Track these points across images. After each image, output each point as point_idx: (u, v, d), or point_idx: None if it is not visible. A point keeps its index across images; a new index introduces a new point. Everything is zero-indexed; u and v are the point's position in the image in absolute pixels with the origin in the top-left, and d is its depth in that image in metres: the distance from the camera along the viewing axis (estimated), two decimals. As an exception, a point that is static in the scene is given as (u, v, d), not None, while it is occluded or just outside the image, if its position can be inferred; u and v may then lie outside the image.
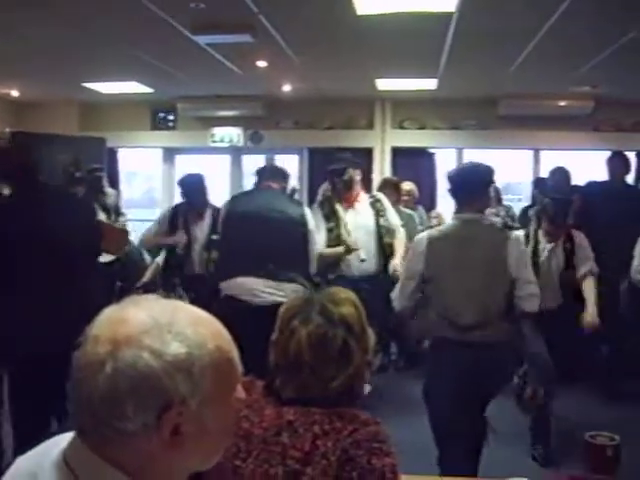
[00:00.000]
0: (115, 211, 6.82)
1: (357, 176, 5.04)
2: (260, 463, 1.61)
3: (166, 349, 0.96)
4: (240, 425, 1.66)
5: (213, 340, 1.01)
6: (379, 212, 5.08)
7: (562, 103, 8.26)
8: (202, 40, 5.67)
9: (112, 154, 9.44)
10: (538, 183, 7.07)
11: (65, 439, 1.04)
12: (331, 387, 1.67)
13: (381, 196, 5.32)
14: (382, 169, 8.96)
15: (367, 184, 8.78)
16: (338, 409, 1.66)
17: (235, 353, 1.07)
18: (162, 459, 0.99)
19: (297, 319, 1.72)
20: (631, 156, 6.71)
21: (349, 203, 5.03)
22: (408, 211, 6.56)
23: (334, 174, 4.98)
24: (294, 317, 1.73)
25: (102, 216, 6.51)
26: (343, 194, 5.00)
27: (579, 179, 6.43)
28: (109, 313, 1.01)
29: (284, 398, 1.70)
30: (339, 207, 4.97)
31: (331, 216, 4.94)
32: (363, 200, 5.12)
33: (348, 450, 1.56)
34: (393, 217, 5.18)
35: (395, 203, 6.04)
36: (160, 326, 0.98)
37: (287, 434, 1.62)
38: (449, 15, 4.90)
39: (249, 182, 10.27)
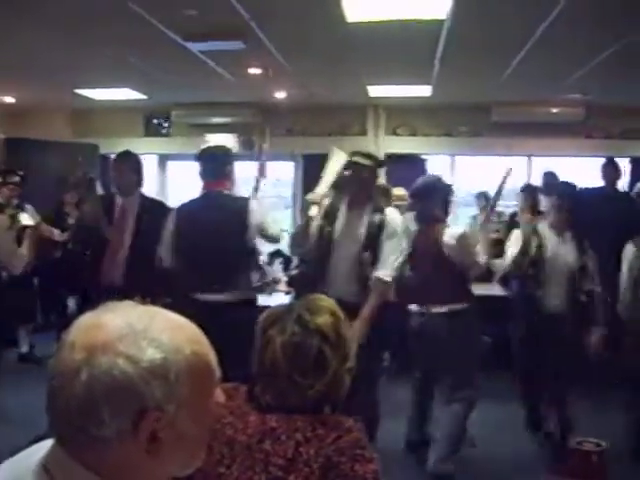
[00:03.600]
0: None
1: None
2: (244, 470, 1.61)
3: (142, 355, 0.96)
4: (224, 432, 1.67)
5: (190, 345, 1.01)
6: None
7: (554, 110, 8.30)
8: (194, 47, 5.68)
9: (105, 161, 9.43)
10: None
11: (45, 446, 1.04)
12: (308, 395, 1.67)
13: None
14: (375, 176, 8.97)
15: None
16: (321, 416, 1.66)
17: (212, 358, 1.07)
18: (141, 465, 0.99)
19: (274, 328, 1.74)
20: (624, 163, 6.87)
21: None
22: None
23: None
24: (271, 326, 1.75)
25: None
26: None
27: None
28: (85, 319, 1.01)
29: (264, 405, 1.70)
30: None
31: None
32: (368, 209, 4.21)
33: (331, 457, 1.56)
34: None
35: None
36: (136, 332, 0.97)
37: (270, 441, 1.62)
38: (440, 22, 4.91)
39: (241, 189, 10.32)
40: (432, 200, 4.36)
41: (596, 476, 1.80)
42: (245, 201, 4.40)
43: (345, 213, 4.16)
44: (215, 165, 4.36)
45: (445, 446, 3.98)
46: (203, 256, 4.07)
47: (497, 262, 4.77)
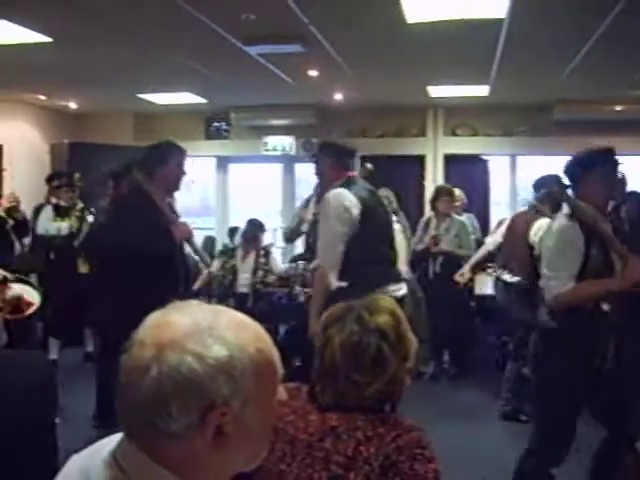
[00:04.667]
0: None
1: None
2: (304, 468, 1.63)
3: (208, 352, 0.99)
4: (286, 431, 1.69)
5: (254, 343, 1.04)
6: None
7: (619, 108, 8.08)
8: (254, 51, 5.75)
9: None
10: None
11: (115, 439, 1.08)
12: (367, 393, 1.68)
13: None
14: (434, 176, 8.92)
15: (419, 191, 8.81)
16: (381, 414, 1.67)
17: (276, 356, 1.09)
18: (207, 459, 1.02)
19: (333, 327, 1.75)
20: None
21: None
22: (460, 218, 6.54)
23: None
24: (331, 325, 1.76)
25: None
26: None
27: (637, 185, 6.30)
28: (154, 318, 1.05)
29: (323, 404, 1.72)
30: None
31: None
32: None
33: (391, 456, 1.57)
34: None
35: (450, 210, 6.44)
36: (202, 330, 1.01)
37: (330, 439, 1.64)
38: (500, 21, 4.86)
39: (301, 190, 10.41)
40: (536, 194, 5.09)
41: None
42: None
43: None
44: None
45: None
46: (385, 246, 3.87)
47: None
